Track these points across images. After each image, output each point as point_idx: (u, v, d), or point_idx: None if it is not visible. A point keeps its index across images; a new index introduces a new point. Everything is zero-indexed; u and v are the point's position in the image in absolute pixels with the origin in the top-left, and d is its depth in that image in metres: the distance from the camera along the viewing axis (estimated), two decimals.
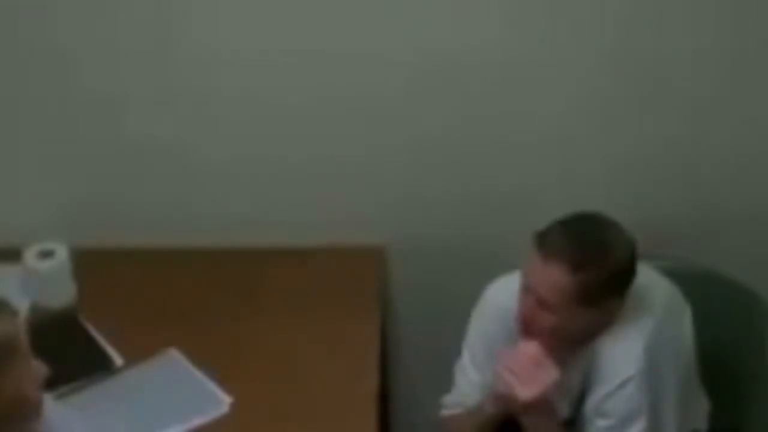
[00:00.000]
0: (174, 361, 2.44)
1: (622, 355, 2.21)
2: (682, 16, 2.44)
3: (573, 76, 2.52)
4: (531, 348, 2.18)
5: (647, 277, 2.27)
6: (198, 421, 2.31)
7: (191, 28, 2.49)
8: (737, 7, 2.43)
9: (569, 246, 2.12)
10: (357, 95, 2.56)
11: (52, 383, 2.03)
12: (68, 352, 2.44)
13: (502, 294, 2.31)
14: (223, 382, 2.38)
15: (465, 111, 2.58)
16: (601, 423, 2.24)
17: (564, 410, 2.30)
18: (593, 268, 2.12)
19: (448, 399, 2.42)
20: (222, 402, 2.35)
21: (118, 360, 2.45)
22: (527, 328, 2.20)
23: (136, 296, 2.60)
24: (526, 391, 2.16)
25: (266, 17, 2.46)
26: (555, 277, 2.12)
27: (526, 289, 2.19)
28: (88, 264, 2.60)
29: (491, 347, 2.33)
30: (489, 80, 2.54)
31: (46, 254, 2.57)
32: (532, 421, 2.24)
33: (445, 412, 2.43)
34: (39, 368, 1.85)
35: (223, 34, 2.49)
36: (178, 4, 2.46)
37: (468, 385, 2.38)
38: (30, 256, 2.56)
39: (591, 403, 2.25)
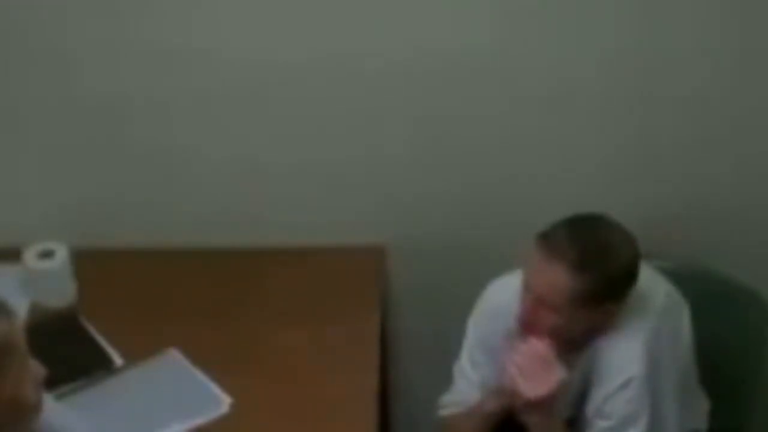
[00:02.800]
0: (174, 361, 2.44)
1: (622, 356, 2.21)
2: (682, 15, 2.44)
3: (573, 77, 2.52)
4: (541, 347, 2.17)
5: (647, 278, 2.27)
6: (198, 421, 2.31)
7: (191, 29, 2.48)
8: (739, 5, 2.43)
9: (571, 247, 2.12)
10: (357, 95, 2.56)
11: (52, 383, 2.03)
12: (68, 352, 2.44)
13: (502, 293, 2.31)
14: (223, 382, 2.38)
15: (465, 111, 2.58)
16: (602, 424, 2.23)
17: (563, 410, 2.30)
18: (595, 270, 2.11)
19: (447, 399, 2.42)
20: (222, 402, 2.35)
21: (118, 360, 2.45)
22: (527, 327, 2.20)
23: (136, 296, 2.60)
24: (531, 390, 2.16)
25: (266, 18, 2.46)
26: (556, 277, 2.11)
27: (527, 288, 2.18)
28: (88, 264, 2.60)
29: (490, 347, 2.33)
30: (489, 80, 2.54)
31: (46, 254, 2.57)
32: (534, 420, 2.23)
33: (443, 412, 2.42)
34: (37, 369, 1.85)
35: (224, 36, 2.49)
36: (178, 6, 2.46)
37: (467, 385, 2.38)
38: (30, 256, 2.57)
39: (591, 404, 2.25)
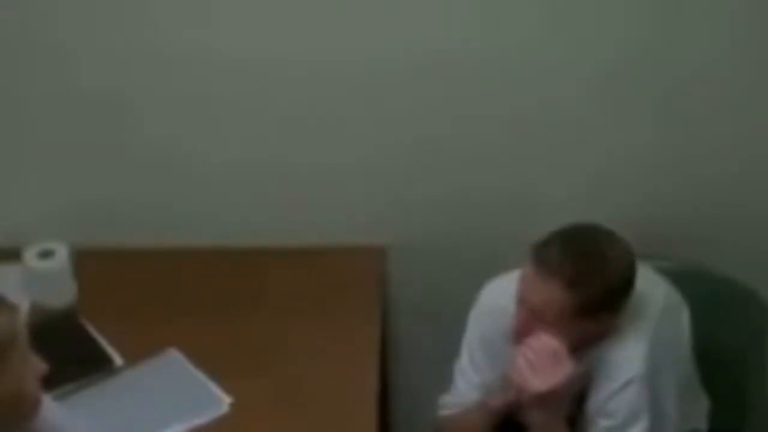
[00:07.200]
0: (174, 361, 2.44)
1: (624, 356, 2.21)
2: (682, 18, 2.44)
3: (573, 78, 2.52)
4: (552, 342, 2.16)
5: (646, 278, 2.26)
6: (198, 421, 2.31)
7: (191, 30, 2.48)
8: (738, 9, 2.43)
9: (565, 263, 2.11)
10: (357, 96, 2.56)
11: (52, 383, 2.03)
12: (68, 352, 2.44)
13: (499, 294, 2.30)
14: (223, 382, 2.38)
15: (465, 112, 2.58)
16: (604, 423, 2.23)
17: (567, 409, 2.29)
18: (590, 286, 2.11)
19: (447, 400, 2.42)
20: (222, 402, 2.35)
21: (118, 360, 2.45)
22: (523, 338, 2.20)
23: (136, 296, 2.60)
24: (538, 382, 2.15)
25: (266, 19, 2.46)
26: (551, 292, 2.11)
27: (522, 301, 2.18)
28: (88, 264, 2.60)
29: (489, 347, 2.33)
30: (489, 81, 2.54)
31: (46, 254, 2.57)
32: (538, 417, 2.23)
33: (444, 413, 2.42)
34: (38, 364, 1.85)
35: (226, 37, 2.49)
36: (178, 6, 2.46)
37: (467, 386, 2.37)
38: (30, 256, 2.56)
39: (593, 403, 2.25)
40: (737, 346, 2.48)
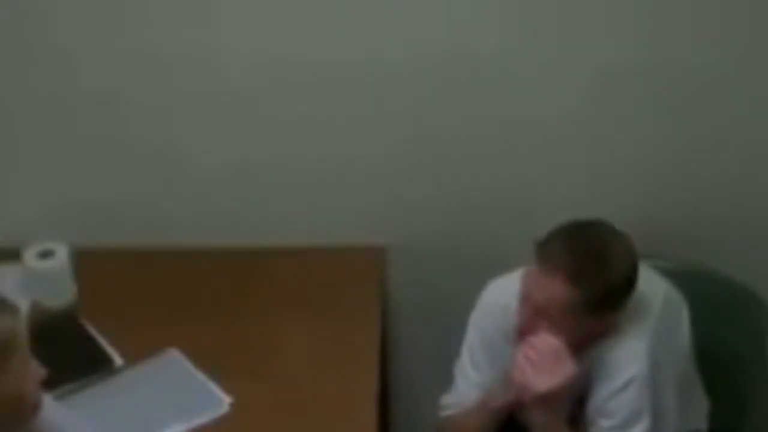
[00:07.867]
0: (174, 361, 2.44)
1: (624, 356, 2.21)
2: (682, 18, 2.44)
3: (574, 79, 2.52)
4: (554, 341, 2.16)
5: (646, 277, 2.26)
6: (198, 421, 2.31)
7: (191, 30, 2.48)
8: (738, 9, 2.43)
9: (569, 259, 2.11)
10: (357, 96, 2.56)
11: (52, 383, 2.02)
12: (68, 352, 2.44)
13: (500, 293, 2.30)
14: (223, 382, 2.38)
15: (465, 112, 2.58)
16: (605, 423, 2.23)
17: (568, 409, 2.29)
18: (593, 282, 2.11)
19: (448, 400, 2.42)
20: (222, 402, 2.35)
21: (118, 360, 2.45)
22: (525, 336, 2.20)
23: (136, 296, 2.60)
24: (540, 382, 2.16)
25: (266, 19, 2.46)
26: (555, 289, 2.11)
27: (525, 299, 2.18)
28: (88, 264, 2.60)
29: (489, 347, 2.33)
30: (489, 82, 2.54)
31: (46, 254, 2.56)
32: (540, 418, 2.23)
33: (444, 413, 2.42)
34: (37, 368, 1.85)
35: (226, 36, 2.49)
36: (178, 6, 2.46)
37: (467, 386, 2.37)
38: (30, 256, 2.56)
39: (594, 403, 2.25)
40: (737, 346, 2.48)
